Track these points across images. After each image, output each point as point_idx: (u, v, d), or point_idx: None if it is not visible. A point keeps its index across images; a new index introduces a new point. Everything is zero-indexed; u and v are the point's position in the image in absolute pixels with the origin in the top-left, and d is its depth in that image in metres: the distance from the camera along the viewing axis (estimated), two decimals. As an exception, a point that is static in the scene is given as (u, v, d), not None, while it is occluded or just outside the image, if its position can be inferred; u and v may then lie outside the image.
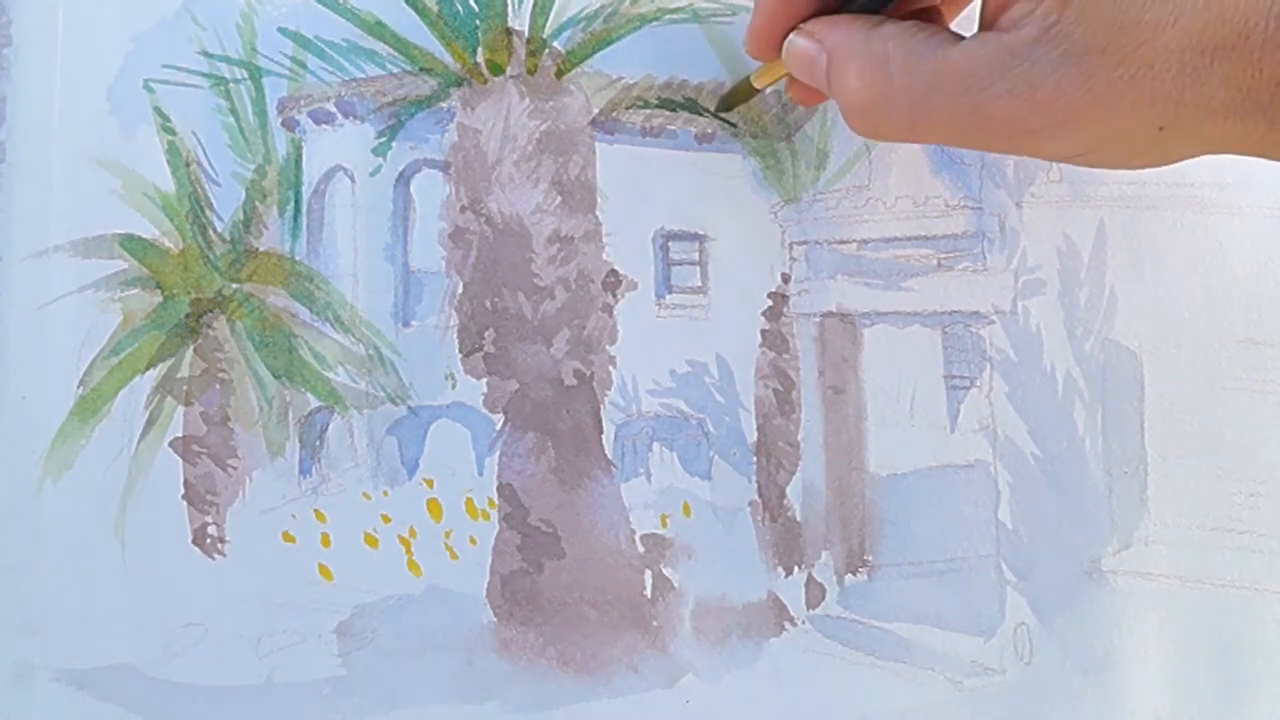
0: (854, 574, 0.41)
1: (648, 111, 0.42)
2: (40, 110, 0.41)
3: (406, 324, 0.41)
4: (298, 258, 0.41)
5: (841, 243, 0.42)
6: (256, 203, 0.41)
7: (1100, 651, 0.41)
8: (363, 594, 0.40)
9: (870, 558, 0.41)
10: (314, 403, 0.41)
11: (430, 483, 0.41)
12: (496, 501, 0.41)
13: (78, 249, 0.40)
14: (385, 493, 0.40)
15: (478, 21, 0.42)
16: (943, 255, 0.43)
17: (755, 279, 0.42)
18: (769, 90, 0.42)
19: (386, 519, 0.40)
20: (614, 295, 0.42)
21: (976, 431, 0.42)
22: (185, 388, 0.40)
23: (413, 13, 0.41)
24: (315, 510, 0.40)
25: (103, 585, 0.39)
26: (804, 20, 0.33)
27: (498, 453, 0.41)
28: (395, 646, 0.40)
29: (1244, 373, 0.42)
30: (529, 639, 0.40)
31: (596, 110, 0.42)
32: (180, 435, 0.40)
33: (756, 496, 0.42)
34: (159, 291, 0.41)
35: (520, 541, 0.40)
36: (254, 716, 0.39)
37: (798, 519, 0.42)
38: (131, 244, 0.41)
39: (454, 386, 0.41)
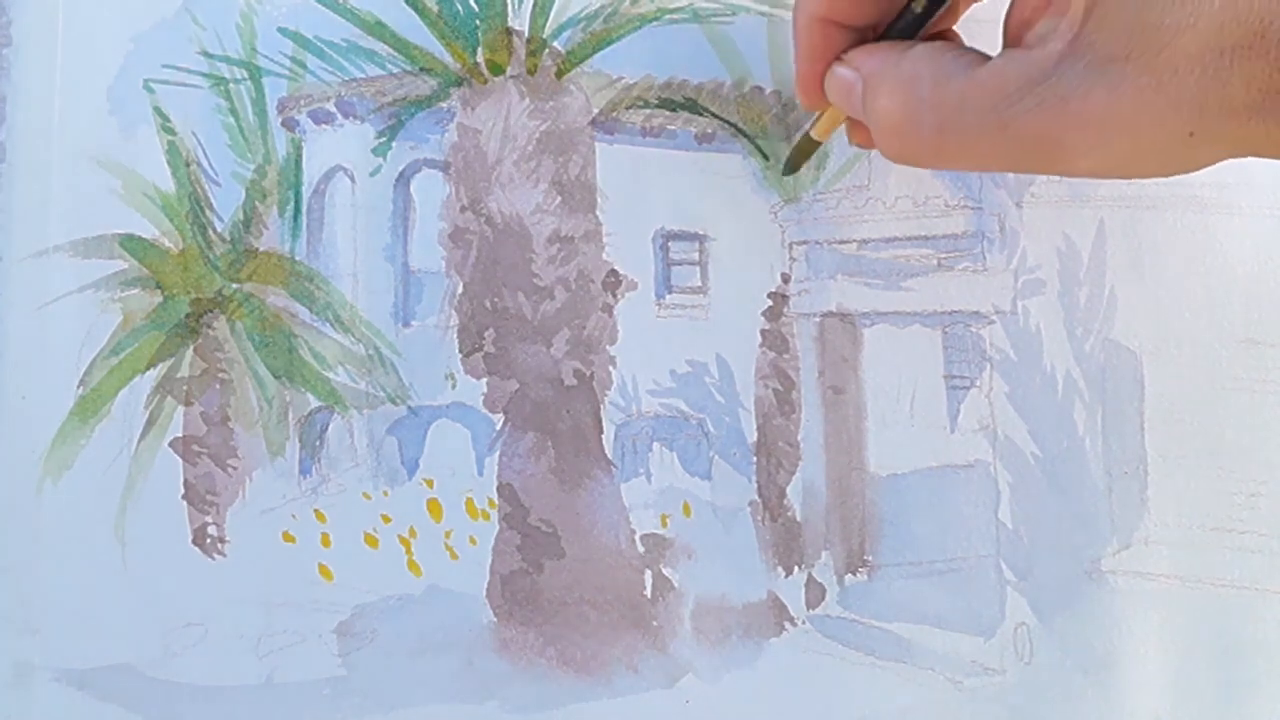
0: (854, 574, 0.41)
1: (648, 111, 0.42)
2: (40, 110, 0.41)
3: (406, 324, 0.41)
4: (298, 258, 0.41)
5: (841, 243, 0.42)
6: (256, 203, 0.41)
7: (1100, 651, 0.41)
8: (363, 594, 0.40)
9: (870, 558, 0.41)
10: (314, 403, 0.41)
11: (430, 483, 0.41)
12: (496, 501, 0.41)
13: (78, 249, 0.41)
14: (385, 493, 0.40)
15: (478, 21, 0.42)
16: (943, 255, 0.43)
17: (755, 279, 0.42)
18: (768, 90, 0.42)
19: (386, 519, 0.40)
20: (614, 295, 0.42)
21: (976, 431, 0.42)
22: (185, 388, 0.40)
23: (413, 13, 0.41)
24: (315, 510, 0.40)
25: (103, 585, 0.39)
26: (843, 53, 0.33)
27: (498, 453, 0.41)
28: (395, 646, 0.40)
29: (1244, 373, 0.42)
30: (529, 639, 0.40)
31: (596, 110, 0.42)
32: (180, 435, 0.40)
33: (756, 496, 0.42)
34: (159, 291, 0.41)
35: (520, 541, 0.40)
36: (254, 716, 0.39)
37: (798, 519, 0.42)
38: (131, 244, 0.41)
39: (454, 386, 0.41)
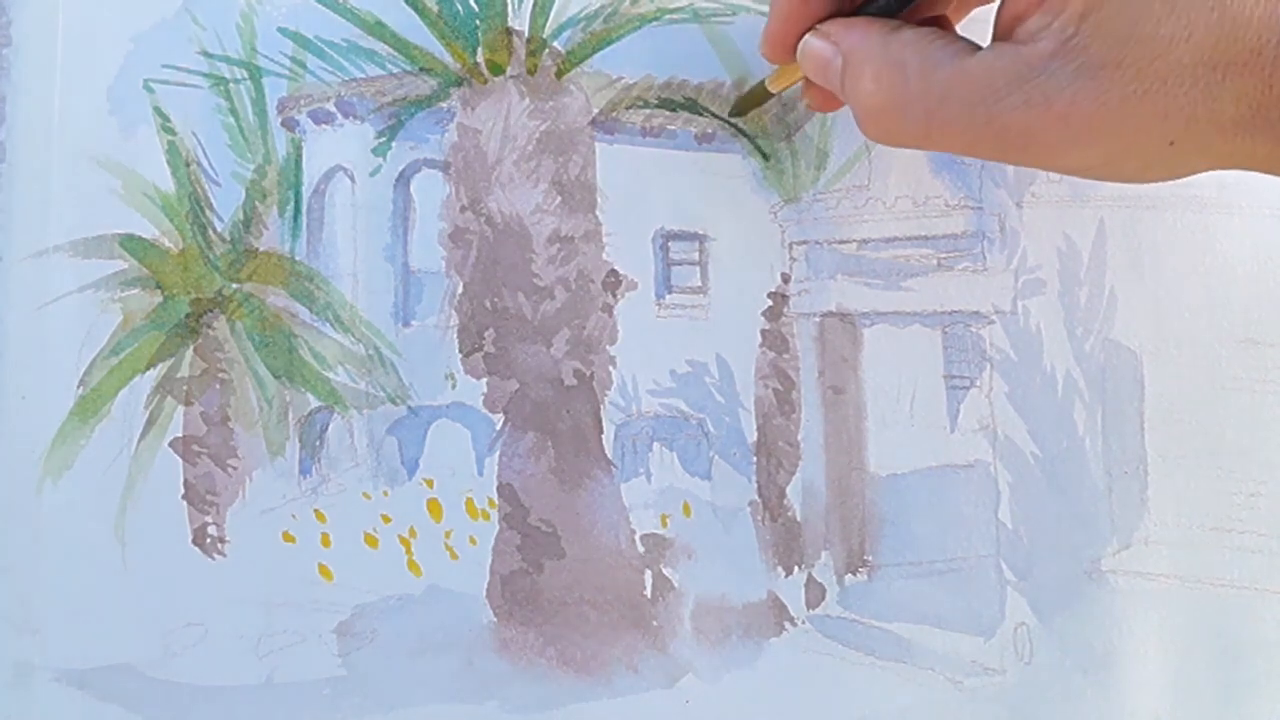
0: (854, 574, 0.41)
1: (648, 111, 0.42)
2: (40, 110, 0.41)
3: (406, 324, 0.41)
4: (298, 258, 0.41)
5: (841, 243, 0.42)
6: (256, 203, 0.41)
7: (1100, 651, 0.41)
8: (363, 594, 0.40)
9: (870, 558, 0.41)
10: (314, 403, 0.41)
11: (430, 483, 0.41)
12: (496, 501, 0.41)
13: (78, 249, 0.40)
14: (385, 493, 0.40)
15: (478, 21, 0.42)
16: (943, 255, 0.43)
17: (755, 279, 0.42)
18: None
19: (386, 519, 0.40)
20: (614, 295, 0.42)
21: (976, 431, 0.42)
22: (185, 388, 0.40)
23: (413, 13, 0.41)
24: (315, 510, 0.40)
25: (103, 585, 0.39)
26: (820, 22, 0.33)
27: (498, 453, 0.41)
28: (395, 646, 0.40)
29: (1244, 373, 0.42)
30: (529, 639, 0.40)
31: (596, 110, 0.42)
32: (180, 435, 0.40)
33: (756, 496, 0.42)
34: (159, 291, 0.41)
35: (520, 541, 0.40)
36: (254, 716, 0.39)
37: (798, 519, 0.42)
38: (131, 244, 0.41)
39: (454, 386, 0.41)
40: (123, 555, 0.39)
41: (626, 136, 0.42)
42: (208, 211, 0.41)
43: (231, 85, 0.41)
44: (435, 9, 0.42)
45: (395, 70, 0.42)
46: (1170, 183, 0.29)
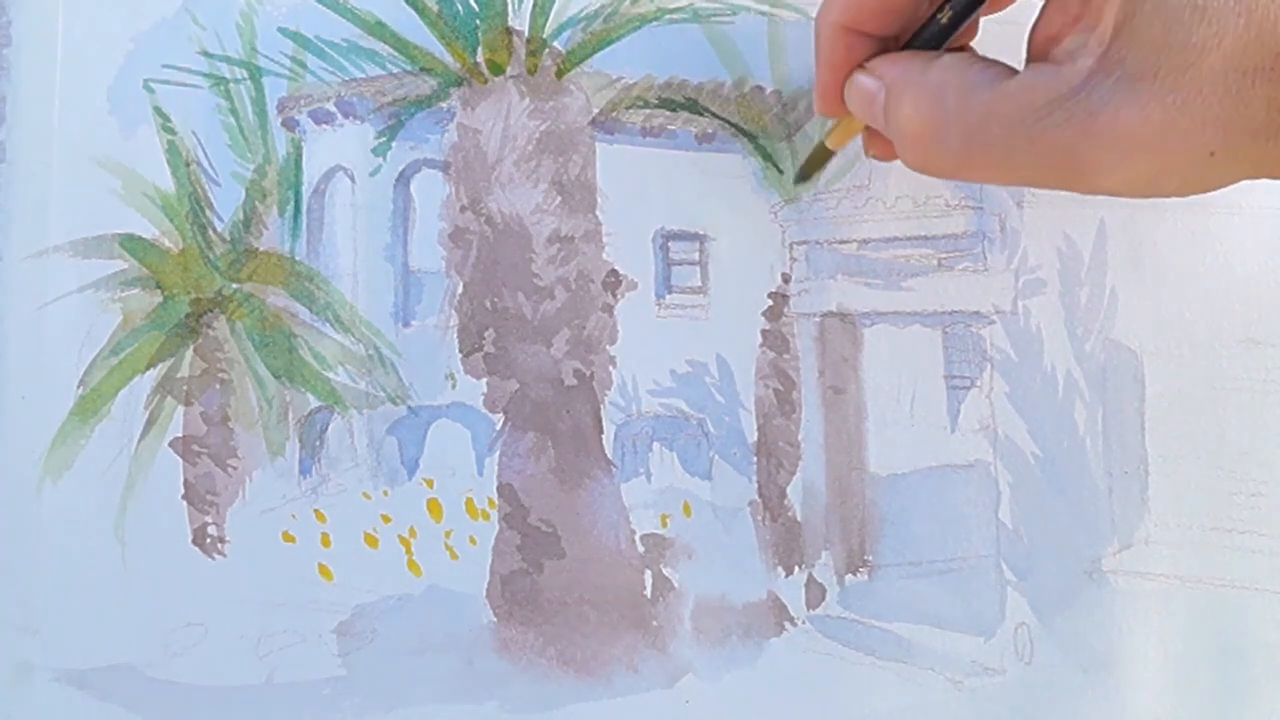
0: (854, 574, 0.41)
1: (648, 111, 0.42)
2: (40, 110, 0.41)
3: (406, 324, 0.41)
4: (298, 258, 0.41)
5: (841, 243, 0.42)
6: (256, 203, 0.41)
7: (1100, 651, 0.41)
8: (363, 594, 0.40)
9: (870, 558, 0.41)
10: (314, 403, 0.41)
11: (430, 483, 0.41)
12: (496, 501, 0.41)
13: (78, 249, 0.41)
14: (385, 493, 0.40)
15: (478, 21, 0.42)
16: (943, 255, 0.43)
17: (755, 279, 0.42)
18: (768, 90, 0.42)
19: (386, 519, 0.40)
20: (614, 295, 0.42)
21: (977, 431, 0.42)
22: (185, 388, 0.40)
23: (413, 13, 0.41)
24: (315, 510, 0.40)
25: (103, 585, 0.39)
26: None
27: (498, 453, 0.41)
28: (395, 646, 0.40)
29: (1244, 373, 0.42)
30: (529, 639, 0.40)
31: (596, 110, 0.42)
32: (180, 435, 0.40)
33: (756, 496, 0.42)
34: (159, 291, 0.41)
35: (520, 541, 0.40)
36: (254, 716, 0.39)
37: (798, 519, 0.42)
38: (131, 244, 0.41)
39: (454, 386, 0.41)
40: (123, 555, 0.39)
41: (627, 136, 0.42)
42: (208, 211, 0.41)
43: (231, 85, 0.41)
44: (435, 9, 0.42)
45: (395, 70, 0.42)
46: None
